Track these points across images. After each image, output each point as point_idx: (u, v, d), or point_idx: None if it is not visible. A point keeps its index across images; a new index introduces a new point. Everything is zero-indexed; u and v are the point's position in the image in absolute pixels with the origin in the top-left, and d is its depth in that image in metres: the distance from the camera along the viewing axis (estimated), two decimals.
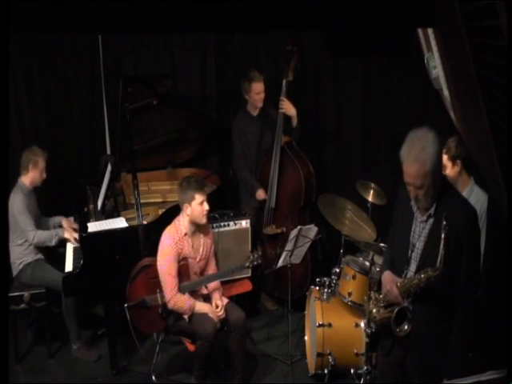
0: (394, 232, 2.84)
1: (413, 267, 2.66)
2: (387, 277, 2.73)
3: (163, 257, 3.69)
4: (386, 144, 5.04)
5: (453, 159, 3.39)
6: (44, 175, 4.42)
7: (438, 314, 2.61)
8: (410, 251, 2.67)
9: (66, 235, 4.37)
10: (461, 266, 2.52)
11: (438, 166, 2.52)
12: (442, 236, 2.43)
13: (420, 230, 2.64)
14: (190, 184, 3.70)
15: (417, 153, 2.45)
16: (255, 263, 3.87)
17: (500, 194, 2.41)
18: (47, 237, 4.31)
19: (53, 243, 4.30)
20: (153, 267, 3.75)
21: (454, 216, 2.48)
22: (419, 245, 2.64)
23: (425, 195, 2.53)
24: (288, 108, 4.63)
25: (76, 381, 4.13)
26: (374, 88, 5.02)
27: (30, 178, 4.37)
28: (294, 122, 4.69)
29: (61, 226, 4.56)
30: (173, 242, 3.70)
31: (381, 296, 2.74)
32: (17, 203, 4.23)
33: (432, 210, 2.58)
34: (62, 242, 4.43)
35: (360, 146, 5.14)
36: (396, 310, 2.63)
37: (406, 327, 2.63)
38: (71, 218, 4.71)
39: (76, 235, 4.37)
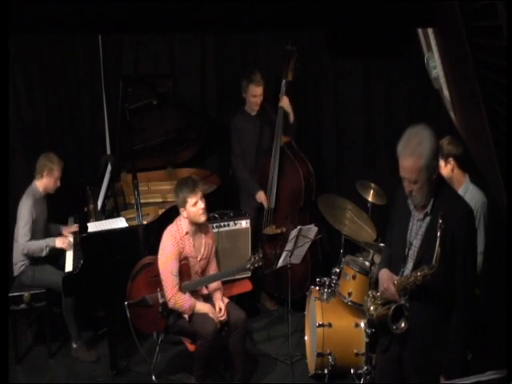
0: (392, 230, 2.86)
1: (409, 265, 2.67)
2: (384, 274, 2.75)
3: (164, 255, 3.69)
4: (385, 144, 5.04)
5: (445, 157, 3.40)
6: (58, 183, 4.43)
7: (435, 312, 2.63)
8: (406, 249, 2.69)
9: (58, 245, 4.31)
10: (457, 264, 2.54)
11: (434, 162, 2.53)
12: (438, 234, 2.45)
13: (417, 229, 2.66)
14: (180, 188, 3.72)
15: (413, 147, 2.49)
16: (256, 265, 3.87)
17: (500, 194, 2.41)
18: (37, 248, 4.24)
19: (43, 254, 4.25)
20: (154, 265, 3.75)
21: (451, 215, 2.50)
22: (416, 243, 2.66)
23: (419, 191, 2.55)
24: (286, 104, 4.63)
25: (76, 381, 4.13)
26: (374, 88, 5.02)
27: (43, 183, 4.37)
28: (291, 118, 4.70)
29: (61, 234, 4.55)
30: (174, 240, 3.70)
31: (378, 294, 2.75)
32: (24, 209, 4.22)
33: (429, 209, 2.60)
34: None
35: (360, 146, 5.14)
36: (393, 307, 2.65)
37: (402, 325, 2.64)
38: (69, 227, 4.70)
39: (68, 240, 4.37)
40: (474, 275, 2.66)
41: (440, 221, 2.45)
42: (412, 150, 2.49)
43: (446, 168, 3.42)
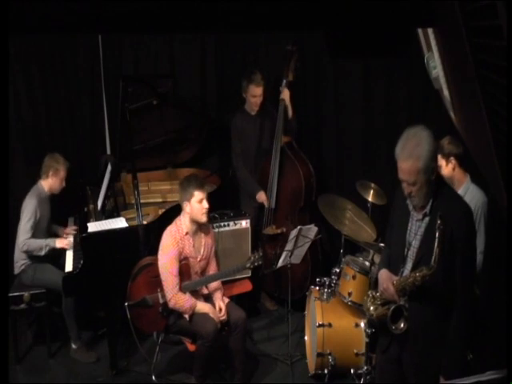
0: (391, 230, 2.86)
1: (409, 265, 2.68)
2: (384, 275, 2.75)
3: (164, 256, 3.69)
4: (386, 144, 5.04)
5: (446, 157, 3.41)
6: (63, 184, 4.43)
7: (434, 312, 2.63)
8: (406, 249, 2.69)
9: (58, 245, 4.31)
10: (456, 264, 2.54)
11: (432, 163, 2.53)
12: (437, 235, 2.45)
13: (416, 229, 2.66)
14: (189, 182, 3.73)
15: (411, 149, 2.49)
16: (256, 264, 3.87)
17: (500, 194, 2.42)
18: (37, 246, 4.23)
19: (42, 253, 4.25)
20: (154, 266, 3.75)
21: (450, 215, 2.50)
22: (415, 243, 2.66)
23: (418, 192, 2.55)
24: (287, 96, 4.63)
25: (76, 381, 4.13)
26: (374, 88, 5.02)
27: (49, 184, 4.38)
28: (290, 112, 4.69)
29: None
30: (174, 241, 3.70)
31: (378, 294, 2.76)
32: (29, 207, 4.22)
33: (428, 209, 2.60)
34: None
35: (360, 146, 5.14)
36: (392, 307, 2.65)
37: (402, 325, 2.65)
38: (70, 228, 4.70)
39: (69, 240, 4.36)
40: (473, 275, 2.66)
41: (439, 221, 2.46)
42: (410, 152, 2.48)
43: (448, 167, 3.43)
